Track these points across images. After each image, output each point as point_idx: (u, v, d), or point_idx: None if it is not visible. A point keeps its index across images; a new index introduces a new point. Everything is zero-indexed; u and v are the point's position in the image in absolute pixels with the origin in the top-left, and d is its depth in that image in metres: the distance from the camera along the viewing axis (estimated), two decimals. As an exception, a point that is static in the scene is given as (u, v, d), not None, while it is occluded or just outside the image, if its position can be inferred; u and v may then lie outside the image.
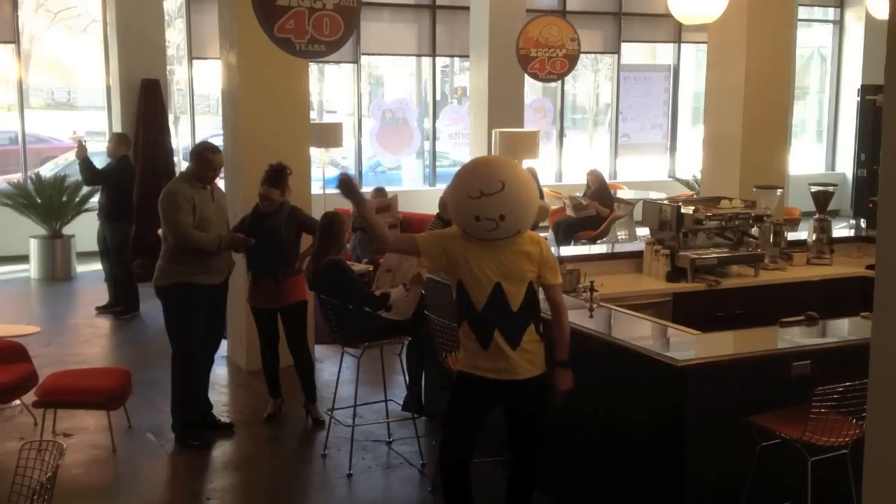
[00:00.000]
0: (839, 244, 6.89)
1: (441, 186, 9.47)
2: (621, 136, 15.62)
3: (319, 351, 7.47)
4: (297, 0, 6.44)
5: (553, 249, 6.12)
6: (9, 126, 12.44)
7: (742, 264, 6.34)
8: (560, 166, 14.98)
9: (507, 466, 4.35)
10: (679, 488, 4.17)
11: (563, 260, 6.05)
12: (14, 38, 11.95)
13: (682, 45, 15.61)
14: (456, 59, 15.02)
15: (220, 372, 7.14)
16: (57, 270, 10.73)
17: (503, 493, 4.36)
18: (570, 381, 4.13)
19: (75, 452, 5.65)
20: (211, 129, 12.75)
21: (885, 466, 2.34)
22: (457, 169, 4.25)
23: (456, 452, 4.13)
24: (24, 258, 11.02)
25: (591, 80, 16.38)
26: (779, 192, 7.13)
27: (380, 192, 10.63)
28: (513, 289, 3.97)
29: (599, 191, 11.45)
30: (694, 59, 15.97)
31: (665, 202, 6.62)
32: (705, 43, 8.69)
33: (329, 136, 10.37)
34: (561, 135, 15.12)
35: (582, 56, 11.72)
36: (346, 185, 4.14)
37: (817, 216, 6.84)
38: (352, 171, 13.84)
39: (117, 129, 11.00)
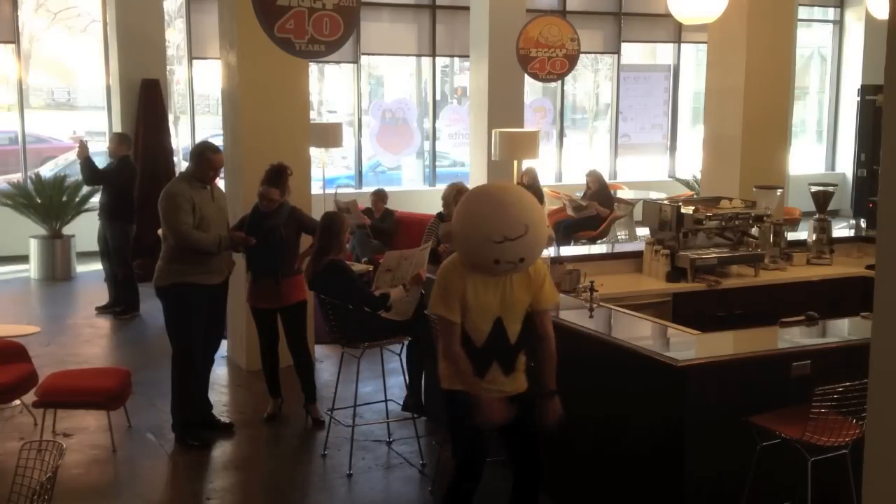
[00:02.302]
0: (839, 244, 6.89)
1: (441, 186, 9.44)
2: (621, 136, 15.62)
3: (319, 351, 7.47)
4: (297, 0, 6.45)
5: (553, 249, 6.15)
6: (9, 126, 12.43)
7: (742, 264, 6.34)
8: (560, 166, 14.98)
9: (511, 483, 4.17)
10: (679, 488, 4.17)
11: (563, 260, 6.06)
12: (14, 38, 11.96)
13: (682, 45, 15.61)
14: (456, 59, 15.01)
15: (220, 372, 7.14)
16: (57, 270, 10.73)
17: (500, 493, 4.31)
18: (559, 409, 3.95)
19: (75, 452, 5.65)
20: (211, 129, 12.75)
21: (885, 466, 2.34)
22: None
23: (477, 469, 4.00)
24: (24, 258, 11.02)
25: (591, 80, 16.38)
26: (779, 192, 7.13)
27: (379, 193, 10.63)
28: (513, 322, 3.87)
29: (599, 191, 11.46)
30: (694, 59, 15.97)
31: (665, 202, 6.62)
32: (705, 43, 8.69)
33: (329, 136, 10.36)
34: (561, 135, 15.12)
35: (582, 56, 11.71)
36: None
37: (817, 216, 6.84)
38: (351, 172, 13.86)
39: (117, 129, 11.00)
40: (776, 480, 4.21)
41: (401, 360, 6.08)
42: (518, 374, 3.98)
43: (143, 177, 10.15)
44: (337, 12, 6.61)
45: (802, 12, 15.29)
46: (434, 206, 7.47)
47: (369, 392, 6.51)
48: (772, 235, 6.55)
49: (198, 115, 13.20)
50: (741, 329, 4.98)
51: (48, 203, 10.78)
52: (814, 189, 6.96)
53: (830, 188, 7.00)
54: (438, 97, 14.63)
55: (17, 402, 6.14)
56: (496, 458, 4.24)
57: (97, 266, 9.83)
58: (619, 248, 7.84)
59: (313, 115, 13.05)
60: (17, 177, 12.02)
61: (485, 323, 3.84)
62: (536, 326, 3.96)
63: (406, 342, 5.95)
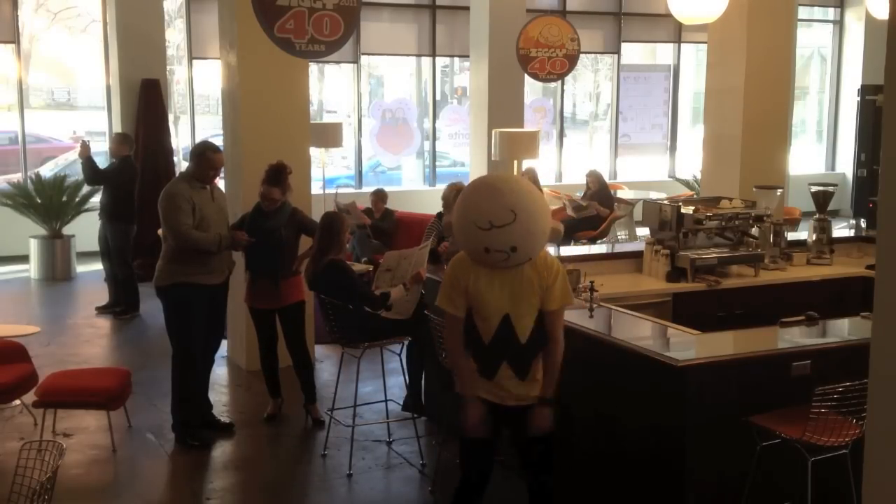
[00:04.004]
0: (839, 244, 6.89)
1: (441, 186, 9.44)
2: (621, 136, 15.62)
3: (319, 351, 7.47)
4: (297, 0, 6.45)
5: (552, 249, 6.15)
6: (9, 126, 12.44)
7: (742, 264, 6.34)
8: (560, 166, 14.98)
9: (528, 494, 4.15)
10: (679, 488, 4.17)
11: (563, 260, 6.05)
12: (14, 38, 11.96)
13: (682, 45, 15.61)
14: (456, 59, 15.02)
15: (220, 372, 7.14)
16: (57, 270, 10.74)
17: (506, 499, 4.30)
18: (549, 421, 3.78)
19: (75, 452, 5.65)
20: (211, 129, 12.75)
21: (885, 466, 2.34)
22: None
23: (475, 473, 3.98)
24: (24, 258, 11.02)
25: (591, 80, 16.38)
26: (779, 192, 7.12)
27: (379, 193, 10.63)
28: (522, 320, 3.74)
29: (599, 191, 11.45)
30: (694, 59, 15.97)
31: (665, 202, 6.62)
32: (705, 43, 8.69)
33: (329, 136, 10.36)
34: (561, 135, 15.12)
35: (582, 56, 11.72)
36: None
37: (817, 216, 6.83)
38: (351, 172, 13.86)
39: (117, 129, 11.00)
40: (776, 480, 4.21)
41: (401, 360, 6.08)
42: (534, 382, 3.82)
43: (143, 177, 10.14)
44: (337, 12, 6.61)
45: (802, 12, 15.29)
46: (434, 206, 7.47)
47: (369, 392, 6.51)
48: (772, 235, 6.55)
49: (198, 115, 13.20)
50: (741, 329, 4.97)
51: (48, 203, 10.78)
52: (814, 189, 6.96)
53: (830, 188, 6.99)
54: (438, 97, 14.63)
55: (17, 402, 6.14)
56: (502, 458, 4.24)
57: (97, 266, 9.83)
58: (619, 248, 7.84)
59: (314, 113, 13.04)
60: (17, 177, 12.02)
61: (492, 319, 3.74)
62: (546, 327, 3.79)
63: (406, 342, 5.95)
